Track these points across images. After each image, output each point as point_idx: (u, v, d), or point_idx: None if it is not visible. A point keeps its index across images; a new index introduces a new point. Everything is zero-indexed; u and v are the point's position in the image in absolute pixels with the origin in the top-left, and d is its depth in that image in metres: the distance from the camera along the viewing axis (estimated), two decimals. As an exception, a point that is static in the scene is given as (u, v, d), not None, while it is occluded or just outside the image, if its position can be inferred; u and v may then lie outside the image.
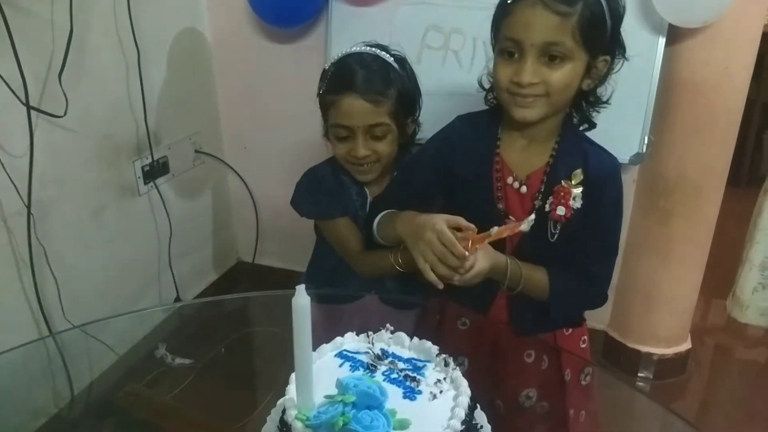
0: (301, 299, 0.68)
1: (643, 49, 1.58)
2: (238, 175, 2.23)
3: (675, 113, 1.65)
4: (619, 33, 1.00)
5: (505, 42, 0.97)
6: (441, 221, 0.96)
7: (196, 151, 2.10)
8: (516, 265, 1.04)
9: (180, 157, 2.03)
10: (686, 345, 1.97)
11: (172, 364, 1.25)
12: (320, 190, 1.28)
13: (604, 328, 2.04)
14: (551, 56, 0.94)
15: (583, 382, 1.12)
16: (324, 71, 1.24)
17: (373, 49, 1.21)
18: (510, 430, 0.96)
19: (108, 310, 1.76)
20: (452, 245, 0.93)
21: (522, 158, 1.06)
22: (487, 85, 1.10)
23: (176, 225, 2.00)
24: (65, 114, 1.50)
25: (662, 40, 1.56)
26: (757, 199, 1.88)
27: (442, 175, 1.12)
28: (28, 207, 1.46)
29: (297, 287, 0.68)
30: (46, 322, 1.57)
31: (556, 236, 1.03)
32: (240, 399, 1.38)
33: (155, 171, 1.92)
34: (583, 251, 1.05)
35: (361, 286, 1.28)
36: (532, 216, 0.94)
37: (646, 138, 1.63)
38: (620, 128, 1.65)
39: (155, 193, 1.93)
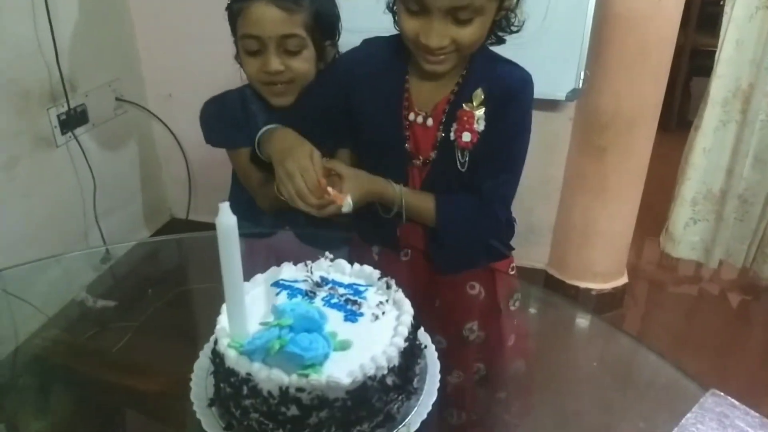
0: (226, 218, 0.63)
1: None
2: (164, 124, 2.11)
3: (610, 47, 1.65)
4: None
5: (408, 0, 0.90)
6: (307, 155, 0.90)
7: (117, 99, 1.97)
8: (395, 189, 0.99)
9: (99, 105, 1.90)
10: (623, 280, 2.03)
11: (94, 306, 1.16)
12: (224, 118, 1.17)
13: (544, 267, 2.07)
14: (458, 18, 0.88)
15: (512, 308, 1.11)
16: None
17: None
18: (457, 364, 0.94)
19: (28, 268, 1.64)
20: (311, 188, 0.88)
21: (429, 89, 0.99)
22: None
23: (100, 179, 1.88)
24: (-39, 52, 1.36)
25: (597, -28, 1.55)
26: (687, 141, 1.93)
27: (341, 102, 1.04)
28: (-73, 156, 1.32)
29: (220, 205, 0.63)
30: (-43, 283, 1.45)
31: (465, 165, 0.98)
32: (182, 354, 1.31)
33: (72, 120, 1.78)
34: (477, 170, 0.99)
35: (275, 221, 1.20)
36: (349, 199, 0.89)
37: (582, 73, 1.63)
38: (556, 64, 1.64)
39: (74, 144, 1.80)
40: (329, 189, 0.89)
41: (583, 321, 1.15)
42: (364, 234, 1.13)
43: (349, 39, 1.15)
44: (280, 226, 1.21)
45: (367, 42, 1.05)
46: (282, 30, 1.06)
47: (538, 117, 1.77)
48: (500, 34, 0.98)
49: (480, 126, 0.96)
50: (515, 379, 1.02)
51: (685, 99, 3.37)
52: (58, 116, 1.73)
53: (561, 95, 1.67)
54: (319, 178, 0.89)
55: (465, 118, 0.96)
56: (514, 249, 1.16)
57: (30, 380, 1.12)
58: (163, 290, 1.45)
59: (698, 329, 2.01)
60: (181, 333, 1.41)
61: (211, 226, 0.66)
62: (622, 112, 1.72)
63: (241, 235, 1.20)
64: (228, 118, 1.17)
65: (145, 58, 2.07)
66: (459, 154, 0.98)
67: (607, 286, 1.99)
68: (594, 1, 1.57)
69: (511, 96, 0.96)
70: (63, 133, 1.76)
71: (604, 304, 2.00)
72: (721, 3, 3.14)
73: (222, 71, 1.91)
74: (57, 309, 1.47)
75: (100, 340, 1.14)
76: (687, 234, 2.03)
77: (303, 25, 1.08)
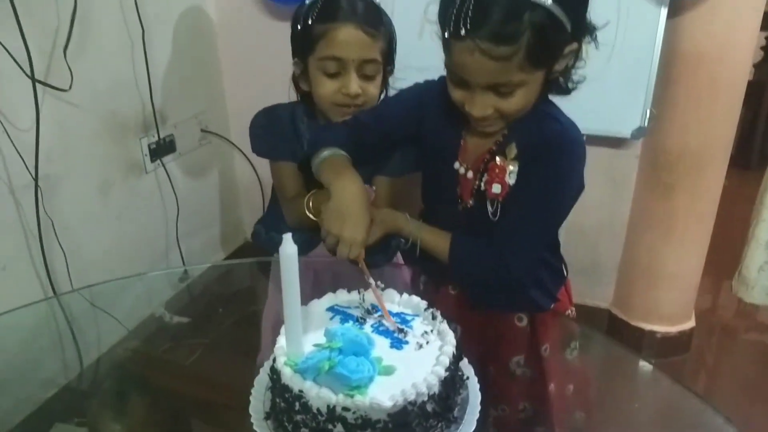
0: (288, 248, 0.70)
1: (645, 20, 1.57)
2: (244, 154, 2.26)
3: (677, 86, 1.65)
4: (584, 19, 0.90)
5: (450, 72, 0.92)
6: (363, 230, 0.93)
7: (202, 131, 2.13)
8: (411, 227, 1.02)
9: (186, 135, 2.06)
10: (690, 323, 1.97)
11: (170, 322, 1.26)
12: (272, 129, 1.21)
13: (608, 306, 2.04)
14: (499, 91, 0.89)
15: (569, 357, 1.11)
16: (305, 5, 1.14)
17: None
18: (501, 396, 0.96)
19: (113, 285, 1.79)
20: (351, 258, 0.92)
21: (477, 143, 1.02)
22: None
23: (183, 203, 2.03)
24: (70, 88, 1.53)
25: (664, 11, 1.56)
26: (764, 178, 1.87)
27: (412, 127, 1.07)
28: (36, 180, 1.49)
29: (284, 236, 0.70)
30: (55, 293, 1.61)
31: (497, 215, 1.00)
32: (243, 368, 1.40)
33: (161, 149, 1.94)
34: (503, 220, 1.00)
35: (310, 237, 1.17)
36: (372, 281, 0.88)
37: (648, 111, 1.63)
38: (622, 102, 1.65)
39: (162, 171, 1.96)
40: (363, 262, 0.91)
41: (645, 370, 1.11)
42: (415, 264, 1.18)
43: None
44: (316, 243, 1.21)
45: (443, 78, 1.04)
46: (364, 54, 1.10)
47: (603, 154, 1.81)
48: (556, 92, 0.98)
49: (511, 179, 0.98)
50: (571, 429, 1.02)
51: (766, 136, 3.24)
52: (149, 145, 1.90)
53: (627, 133, 1.68)
54: (362, 254, 0.92)
55: (496, 171, 0.99)
56: (557, 300, 1.15)
57: (111, 386, 1.24)
58: (234, 309, 1.55)
59: (772, 381, 1.92)
60: (247, 350, 1.50)
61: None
62: (690, 151, 1.70)
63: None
64: (276, 131, 1.21)
65: (230, 93, 2.23)
66: (489, 204, 1.00)
67: (673, 329, 1.93)
68: (661, 40, 1.58)
69: (544, 152, 0.95)
70: (152, 160, 1.92)
71: (669, 348, 1.94)
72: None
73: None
74: (137, 322, 1.60)
75: (174, 353, 1.23)
76: (761, 278, 1.94)
77: (380, 51, 1.12)
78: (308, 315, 0.82)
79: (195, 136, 2.11)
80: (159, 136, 1.92)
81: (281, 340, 0.76)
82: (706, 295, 2.20)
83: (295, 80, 1.21)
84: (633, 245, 1.92)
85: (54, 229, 1.58)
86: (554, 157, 0.95)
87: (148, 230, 1.97)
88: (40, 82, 1.46)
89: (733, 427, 0.87)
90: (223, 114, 2.24)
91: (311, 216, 1.08)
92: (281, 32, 2.00)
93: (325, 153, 1.04)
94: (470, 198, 1.03)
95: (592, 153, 1.72)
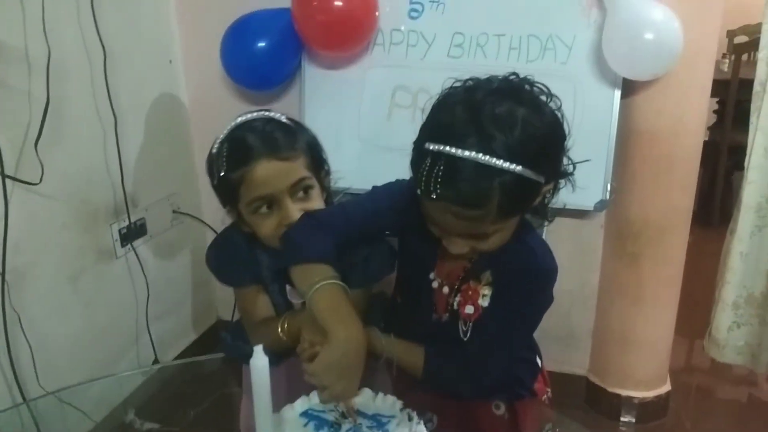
0: (259, 361, 0.70)
1: (600, 101, 1.66)
2: (216, 233, 2.25)
3: (634, 161, 1.72)
4: (559, 167, 0.91)
5: (425, 215, 0.92)
6: (355, 390, 0.88)
7: (174, 212, 2.13)
8: (382, 344, 1.01)
9: (157, 218, 2.06)
10: (666, 387, 1.98)
11: (140, 429, 1.23)
12: (230, 257, 1.17)
13: (585, 373, 2.04)
14: (475, 236, 0.90)
15: None
16: (212, 155, 1.10)
17: (259, 113, 1.12)
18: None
19: (84, 376, 1.74)
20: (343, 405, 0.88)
21: (452, 259, 1.02)
22: None
23: (154, 286, 2.01)
24: (41, 181, 1.53)
25: (617, 93, 1.65)
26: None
27: (398, 223, 1.08)
28: (2, 274, 1.47)
29: (255, 348, 0.70)
30: (20, 390, 1.56)
31: (467, 335, 1.02)
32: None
33: (132, 233, 1.94)
34: (476, 339, 1.02)
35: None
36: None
37: (609, 185, 1.69)
38: (583, 177, 1.69)
39: (132, 255, 1.95)
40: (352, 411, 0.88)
41: None
42: None
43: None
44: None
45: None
46: (291, 179, 1.05)
47: (570, 224, 1.86)
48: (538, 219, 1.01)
49: (484, 302, 1.00)
50: None
51: (726, 194, 3.36)
52: (120, 230, 1.89)
53: (589, 206, 1.73)
54: (351, 409, 0.88)
55: (470, 293, 1.02)
56: (535, 395, 1.16)
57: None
58: (207, 411, 1.52)
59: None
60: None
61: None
62: (652, 221, 1.76)
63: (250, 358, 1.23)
64: (232, 260, 1.17)
65: (202, 174, 2.22)
66: (462, 324, 1.03)
67: (650, 394, 1.94)
68: (617, 119, 1.66)
69: (520, 281, 0.98)
70: (123, 245, 1.90)
71: (648, 414, 1.95)
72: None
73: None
74: (105, 413, 1.55)
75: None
76: (731, 338, 1.98)
77: (306, 166, 1.08)
78: (281, 422, 0.81)
79: (167, 217, 2.11)
80: (130, 221, 1.92)
81: (255, 452, 0.75)
82: (680, 356, 2.23)
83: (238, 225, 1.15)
84: (604, 312, 1.95)
85: (20, 324, 1.55)
86: (529, 286, 0.98)
87: (118, 316, 1.94)
88: (9, 177, 1.46)
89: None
90: (195, 194, 2.25)
91: (284, 337, 1.04)
92: (252, 115, 2.08)
93: (319, 282, 0.94)
94: (445, 313, 1.05)
95: (561, 223, 1.78)
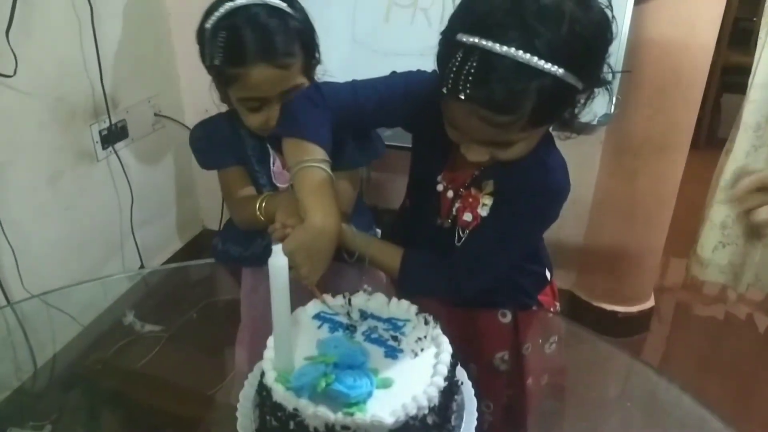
0: (278, 260, 0.66)
1: (613, 7, 1.57)
2: (201, 139, 2.16)
3: (643, 73, 1.66)
4: (599, 74, 0.81)
5: (444, 113, 0.85)
6: (323, 268, 0.87)
7: (156, 115, 2.03)
8: (358, 243, 0.98)
9: (139, 120, 1.95)
10: (650, 303, 2.02)
11: (141, 331, 1.21)
12: (213, 140, 1.16)
13: (570, 288, 2.07)
14: (497, 143, 0.83)
15: (548, 350, 1.11)
16: (205, 33, 1.04)
17: None
18: (486, 393, 0.96)
19: (69, 280, 1.69)
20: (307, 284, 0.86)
21: (462, 164, 0.96)
22: None
23: (138, 192, 1.94)
24: (15, 73, 1.42)
25: (631, 0, 1.56)
26: (717, 161, 1.92)
27: (410, 116, 1.00)
28: (-21, 172, 1.39)
29: (273, 246, 0.66)
30: (4, 293, 1.51)
31: (462, 240, 0.98)
32: (210, 366, 1.35)
33: (114, 135, 1.84)
34: (466, 241, 0.98)
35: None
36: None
37: (614, 98, 1.63)
38: (589, 88, 1.66)
39: (114, 158, 1.86)
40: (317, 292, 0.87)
41: (607, 353, 1.15)
42: None
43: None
44: None
45: None
46: (285, 86, 1.04)
47: (568, 140, 1.81)
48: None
49: (483, 212, 0.95)
50: (542, 416, 1.03)
51: (714, 116, 3.34)
52: (100, 132, 1.79)
53: (593, 120, 1.68)
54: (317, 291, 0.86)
55: (470, 200, 0.96)
56: (539, 303, 1.14)
57: (82, 402, 1.18)
58: (192, 302, 1.50)
59: (724, 354, 2.00)
60: (207, 346, 1.46)
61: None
62: (654, 137, 1.72)
63: (241, 262, 1.20)
64: (218, 140, 1.16)
65: (184, 75, 2.12)
66: (459, 230, 0.98)
67: (634, 309, 1.98)
68: (628, 27, 1.58)
69: (523, 195, 0.92)
70: (104, 148, 1.81)
71: (630, 327, 2.00)
72: (754, 19, 3.11)
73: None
74: (96, 323, 1.53)
75: (149, 366, 1.18)
76: (716, 257, 2.01)
77: (300, 72, 1.06)
78: (294, 324, 0.78)
79: (148, 120, 2.01)
80: (111, 122, 1.82)
81: (269, 354, 0.72)
82: (662, 273, 2.27)
83: (223, 100, 1.14)
84: (596, 228, 1.95)
85: (1, 224, 1.48)
86: (533, 201, 0.92)
87: (102, 221, 1.87)
88: (-20, 67, 1.35)
89: (688, 396, 0.92)
90: (177, 97, 2.14)
91: (261, 217, 1.04)
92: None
93: (308, 162, 0.91)
94: (447, 218, 1.00)
95: (558, 137, 1.74)
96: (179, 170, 2.20)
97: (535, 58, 0.72)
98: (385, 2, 1.72)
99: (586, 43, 0.75)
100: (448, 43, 0.78)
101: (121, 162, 1.87)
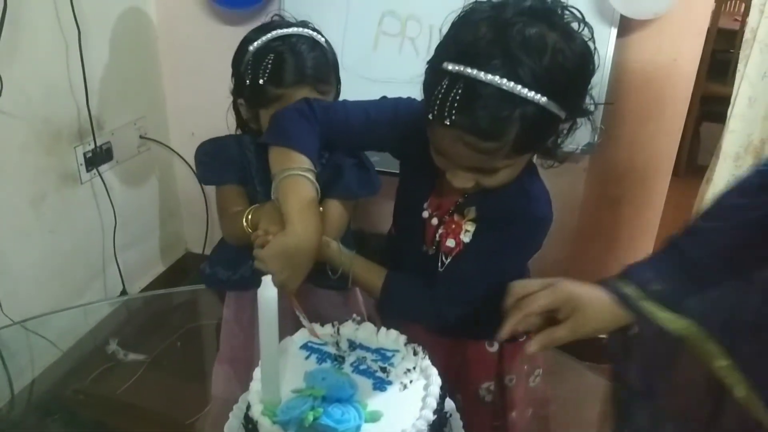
0: (268, 291, 0.66)
1: (596, 39, 1.60)
2: (185, 161, 2.15)
3: (626, 103, 1.69)
4: (582, 104, 0.83)
5: (430, 141, 0.86)
6: (300, 279, 0.87)
7: (141, 137, 2.02)
8: (343, 259, 0.97)
9: (124, 143, 1.94)
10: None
11: (124, 359, 1.19)
12: (219, 156, 1.18)
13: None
14: (483, 170, 0.84)
15: (532, 384, 1.11)
16: (247, 55, 1.09)
17: (300, 29, 1.11)
18: (471, 425, 0.95)
19: (50, 305, 1.67)
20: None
21: (450, 192, 0.96)
22: None
23: (121, 214, 1.92)
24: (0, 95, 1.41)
25: (614, 31, 1.59)
26: (698, 188, 1.95)
27: (397, 142, 1.01)
28: (-40, 194, 1.37)
29: (263, 278, 0.66)
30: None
31: (445, 267, 0.97)
32: (192, 393, 1.34)
33: (98, 157, 1.83)
34: (448, 267, 0.98)
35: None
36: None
37: (598, 128, 1.66)
38: (573, 117, 1.69)
39: (98, 180, 1.84)
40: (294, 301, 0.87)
41: (594, 382, 1.15)
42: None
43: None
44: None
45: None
46: None
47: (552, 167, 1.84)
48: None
49: (466, 238, 0.95)
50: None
51: (694, 144, 3.41)
52: (84, 154, 1.78)
53: (576, 148, 1.71)
54: (294, 301, 0.86)
55: (452, 226, 0.96)
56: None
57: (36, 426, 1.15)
58: (174, 328, 1.48)
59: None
60: (187, 372, 1.43)
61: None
62: (636, 165, 1.75)
63: (229, 286, 1.19)
64: (223, 157, 1.17)
65: (170, 98, 2.12)
66: (442, 256, 0.98)
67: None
68: (611, 58, 1.62)
69: (505, 223, 0.92)
70: (88, 170, 1.80)
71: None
72: (731, 51, 3.20)
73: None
74: (72, 343, 1.50)
75: (132, 395, 1.16)
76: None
77: (334, 94, 1.13)
78: (282, 354, 0.77)
79: (133, 143, 2.00)
80: (95, 144, 1.80)
81: (255, 385, 0.71)
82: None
83: (237, 112, 1.17)
84: (579, 255, 1.96)
85: (-20, 248, 1.46)
86: (515, 228, 0.92)
87: (84, 244, 1.85)
88: (-36, 89, 1.33)
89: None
90: (163, 120, 2.14)
91: (248, 229, 1.02)
92: (224, 35, 1.95)
93: (293, 170, 0.91)
94: (432, 245, 1.00)
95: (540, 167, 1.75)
96: (163, 193, 2.19)
97: (519, 86, 0.73)
98: (373, 31, 1.75)
99: (568, 74, 0.77)
100: (434, 72, 0.80)
101: (105, 184, 1.86)
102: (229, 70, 1.15)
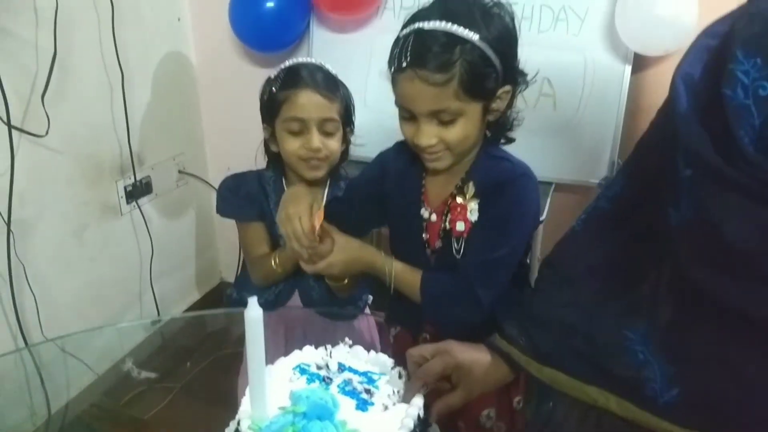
0: (253, 312, 0.71)
1: (611, 76, 1.64)
2: (221, 195, 2.26)
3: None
4: (515, 63, 0.99)
5: (399, 107, 1.00)
6: (307, 204, 1.00)
7: (180, 172, 2.14)
8: (383, 261, 1.07)
9: (163, 177, 2.07)
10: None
11: (138, 377, 1.26)
12: (240, 192, 1.31)
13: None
14: (441, 119, 0.96)
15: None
16: (270, 78, 1.28)
17: (314, 60, 1.28)
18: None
19: (87, 329, 1.77)
20: (305, 231, 0.98)
21: (439, 187, 1.08)
22: None
23: (158, 244, 2.03)
24: (47, 134, 1.54)
25: (628, 68, 1.62)
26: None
27: (376, 198, 1.15)
28: (8, 225, 1.49)
29: (249, 299, 0.71)
30: (24, 339, 1.59)
31: (461, 252, 1.05)
32: (221, 417, 1.39)
33: (138, 191, 1.95)
34: (467, 255, 1.05)
35: (283, 290, 1.30)
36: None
37: (615, 162, 1.68)
38: (590, 152, 1.71)
39: (137, 212, 1.96)
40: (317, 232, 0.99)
41: None
42: (392, 314, 1.20)
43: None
44: (286, 299, 1.30)
45: (398, 143, 1.13)
46: (323, 114, 1.22)
47: (573, 199, 1.85)
48: (503, 134, 1.06)
49: (473, 216, 1.03)
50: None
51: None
52: (125, 188, 1.90)
53: (594, 182, 1.72)
54: (313, 223, 0.98)
55: (458, 210, 1.04)
56: None
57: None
58: (203, 360, 1.54)
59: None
60: (218, 398, 1.49)
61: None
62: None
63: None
64: (244, 193, 1.30)
65: (208, 135, 2.25)
66: (455, 242, 1.05)
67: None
68: (627, 94, 1.64)
69: (501, 188, 1.02)
70: (128, 202, 1.92)
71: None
72: None
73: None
74: (107, 366, 1.58)
75: (140, 409, 1.23)
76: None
77: (338, 111, 1.24)
78: (274, 374, 0.82)
79: (172, 177, 2.12)
80: (135, 178, 1.93)
81: (245, 403, 0.76)
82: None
83: (266, 144, 1.31)
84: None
85: (25, 274, 1.57)
86: (508, 190, 1.02)
87: (122, 272, 1.96)
88: (16, 128, 1.46)
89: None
90: (201, 155, 2.26)
91: (279, 270, 1.16)
92: (258, 76, 2.03)
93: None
94: (437, 240, 1.07)
95: (561, 200, 1.77)
96: (200, 224, 2.30)
97: (455, 26, 0.91)
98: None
99: (497, 26, 0.94)
100: (394, 44, 0.97)
101: (143, 216, 1.97)
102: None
